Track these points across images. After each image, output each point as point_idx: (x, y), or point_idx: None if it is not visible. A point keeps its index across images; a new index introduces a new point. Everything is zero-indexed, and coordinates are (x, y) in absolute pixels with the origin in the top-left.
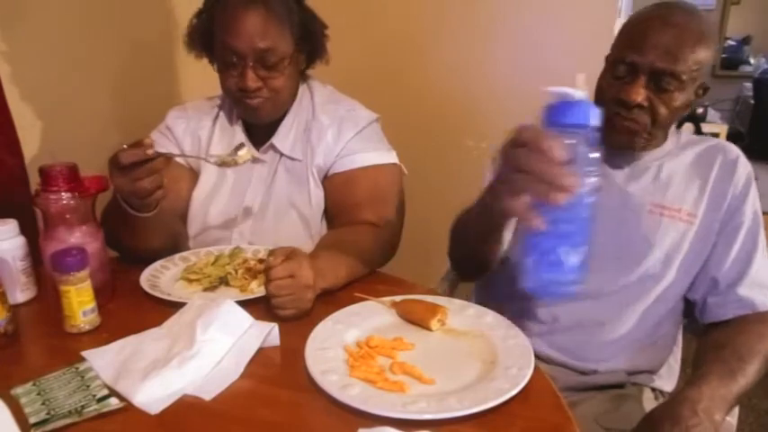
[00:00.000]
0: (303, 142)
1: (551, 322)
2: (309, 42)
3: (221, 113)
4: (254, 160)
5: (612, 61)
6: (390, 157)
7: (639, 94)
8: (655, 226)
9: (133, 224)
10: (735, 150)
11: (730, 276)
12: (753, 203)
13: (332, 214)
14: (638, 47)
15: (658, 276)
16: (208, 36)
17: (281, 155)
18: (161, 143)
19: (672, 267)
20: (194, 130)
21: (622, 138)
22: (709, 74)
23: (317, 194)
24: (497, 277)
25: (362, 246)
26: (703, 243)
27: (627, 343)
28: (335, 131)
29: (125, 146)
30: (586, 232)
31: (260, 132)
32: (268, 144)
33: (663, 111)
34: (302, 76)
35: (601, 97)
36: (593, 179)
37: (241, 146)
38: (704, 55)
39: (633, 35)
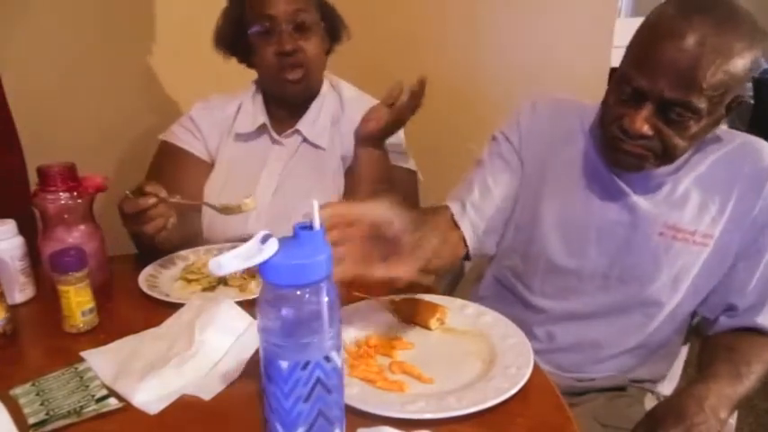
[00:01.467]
0: (330, 134)
1: (548, 341)
2: (328, 22)
3: (245, 99)
4: (273, 141)
5: (618, 78)
6: (411, 164)
7: (643, 125)
8: (665, 250)
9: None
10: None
11: (750, 301)
12: None
13: (347, 190)
14: (646, 70)
15: (665, 302)
16: (237, 29)
17: (304, 140)
18: (185, 139)
19: (680, 292)
20: (219, 120)
21: (627, 161)
22: (748, 81)
23: (339, 184)
24: (490, 295)
25: None
26: (717, 264)
27: (627, 359)
28: None
29: (127, 192)
30: (306, 419)
31: (282, 118)
32: (292, 130)
33: (676, 141)
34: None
35: (604, 115)
36: (307, 357)
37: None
38: (735, 69)
39: (644, 52)
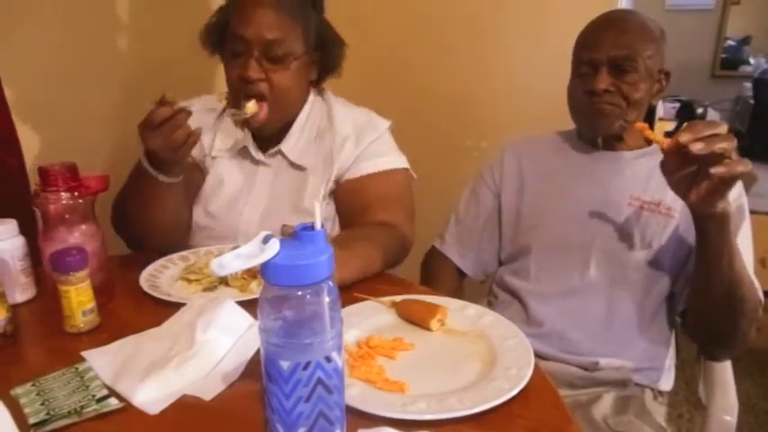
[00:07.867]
0: (314, 149)
1: (542, 323)
2: (324, 53)
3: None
4: (258, 163)
5: (575, 66)
6: (402, 161)
7: (604, 81)
8: (635, 218)
9: (153, 192)
10: None
11: None
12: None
13: (345, 219)
14: (592, 44)
15: (642, 267)
16: (223, 31)
17: (289, 162)
18: None
19: (654, 259)
20: (202, 124)
21: (600, 120)
22: (660, 65)
23: (323, 204)
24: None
25: (376, 241)
26: (684, 237)
27: (621, 337)
28: (355, 139)
29: (152, 102)
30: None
31: (265, 136)
32: (275, 149)
33: (632, 94)
34: (313, 86)
35: (573, 98)
36: (311, 357)
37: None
38: (653, 38)
39: (586, 39)
